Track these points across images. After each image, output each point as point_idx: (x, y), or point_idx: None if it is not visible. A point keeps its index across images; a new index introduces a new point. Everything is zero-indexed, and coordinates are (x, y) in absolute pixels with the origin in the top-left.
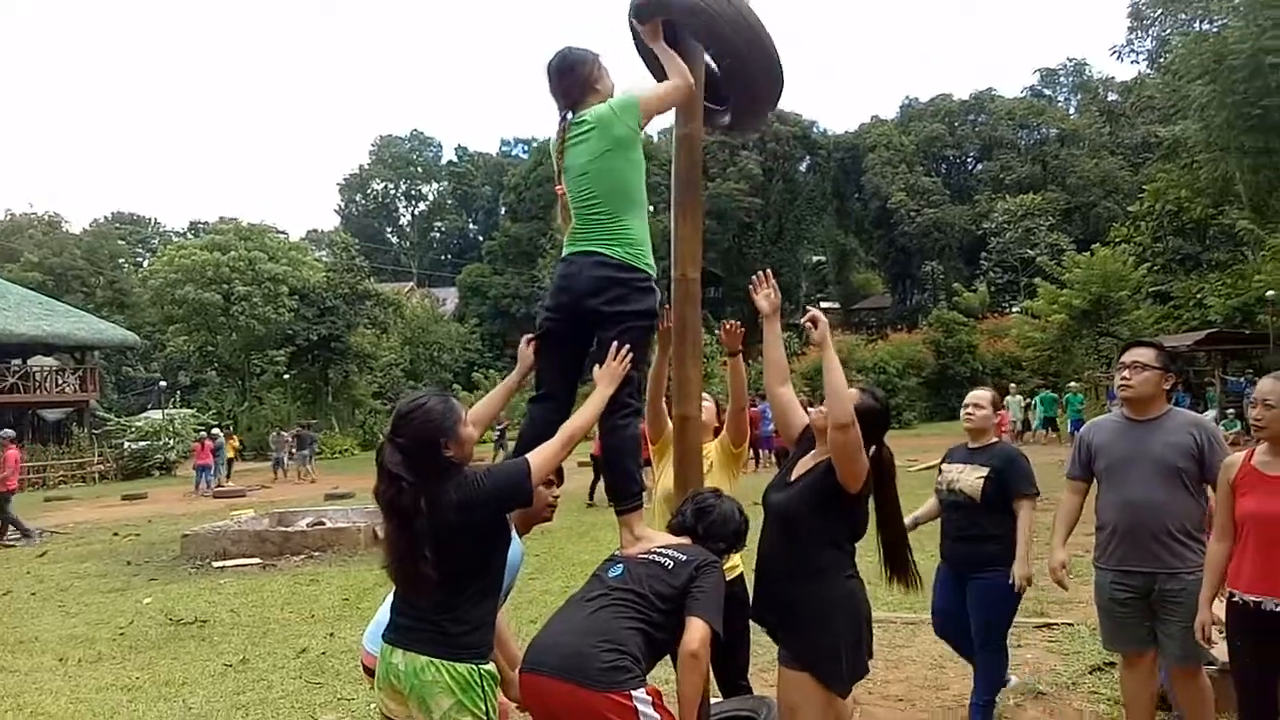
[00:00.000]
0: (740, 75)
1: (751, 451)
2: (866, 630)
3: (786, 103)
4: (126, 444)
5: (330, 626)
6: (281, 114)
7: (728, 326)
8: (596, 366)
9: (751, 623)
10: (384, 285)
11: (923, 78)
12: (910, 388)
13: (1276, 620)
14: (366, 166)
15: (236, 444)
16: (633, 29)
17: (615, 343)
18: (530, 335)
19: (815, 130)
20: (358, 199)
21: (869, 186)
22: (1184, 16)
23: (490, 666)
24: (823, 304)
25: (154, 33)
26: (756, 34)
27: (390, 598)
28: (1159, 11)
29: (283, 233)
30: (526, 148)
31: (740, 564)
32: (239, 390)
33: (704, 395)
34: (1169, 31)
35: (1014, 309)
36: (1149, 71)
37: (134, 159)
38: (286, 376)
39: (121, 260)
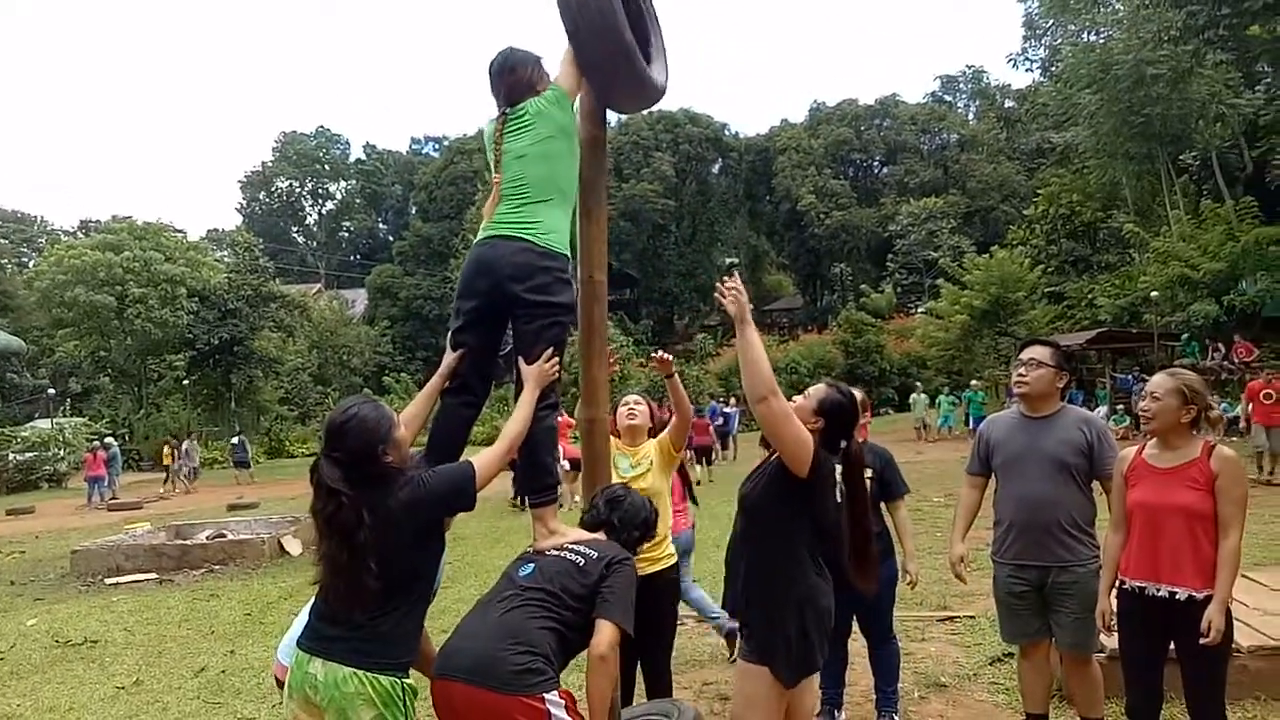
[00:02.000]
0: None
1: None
2: (819, 625)
3: (699, 104)
4: (11, 455)
5: (231, 644)
6: (179, 108)
7: (659, 358)
8: (522, 362)
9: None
10: (290, 287)
11: (830, 82)
12: None
13: (1160, 605)
14: (270, 163)
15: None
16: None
17: (538, 337)
18: (455, 343)
19: (727, 132)
20: (261, 197)
21: (780, 189)
22: (1073, 27)
23: (411, 680)
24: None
25: (39, 20)
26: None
27: (307, 610)
28: (1051, 22)
29: (180, 232)
30: (438, 146)
31: (674, 552)
32: (134, 397)
33: (638, 398)
34: (1060, 41)
35: (919, 310)
36: (1043, 79)
37: (18, 154)
38: (186, 382)
39: (4, 261)
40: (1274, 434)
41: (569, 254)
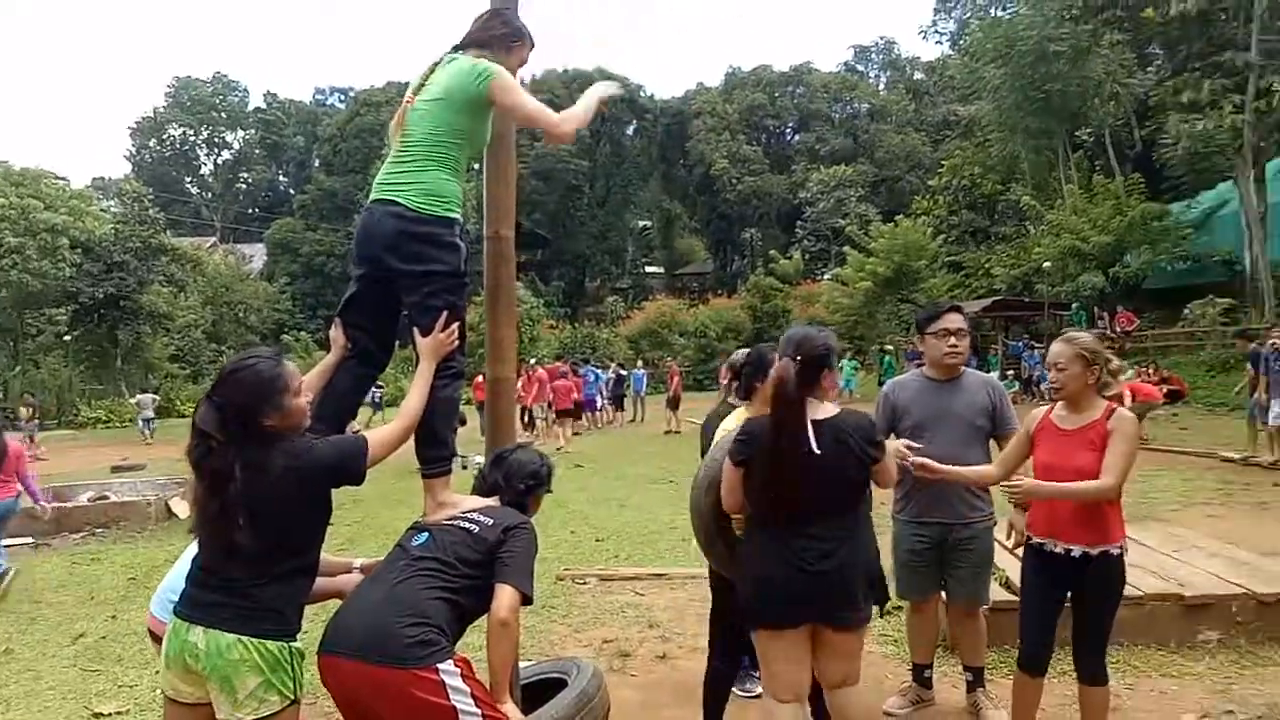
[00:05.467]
0: None
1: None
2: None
3: (614, 65)
4: None
5: (113, 609)
6: (61, 48)
7: None
8: (418, 334)
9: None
10: (182, 239)
11: (746, 47)
12: (729, 350)
13: (1056, 559)
14: (162, 109)
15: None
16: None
17: (425, 309)
18: (346, 317)
19: (642, 94)
20: (152, 145)
21: (694, 153)
22: (982, 2)
23: (299, 644)
24: (648, 268)
25: None
26: None
27: (182, 564)
28: None
29: (63, 179)
30: (344, 97)
31: None
32: (9, 353)
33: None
34: (969, 15)
35: (825, 276)
36: (951, 53)
37: None
38: (68, 338)
39: None
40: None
41: (452, 212)
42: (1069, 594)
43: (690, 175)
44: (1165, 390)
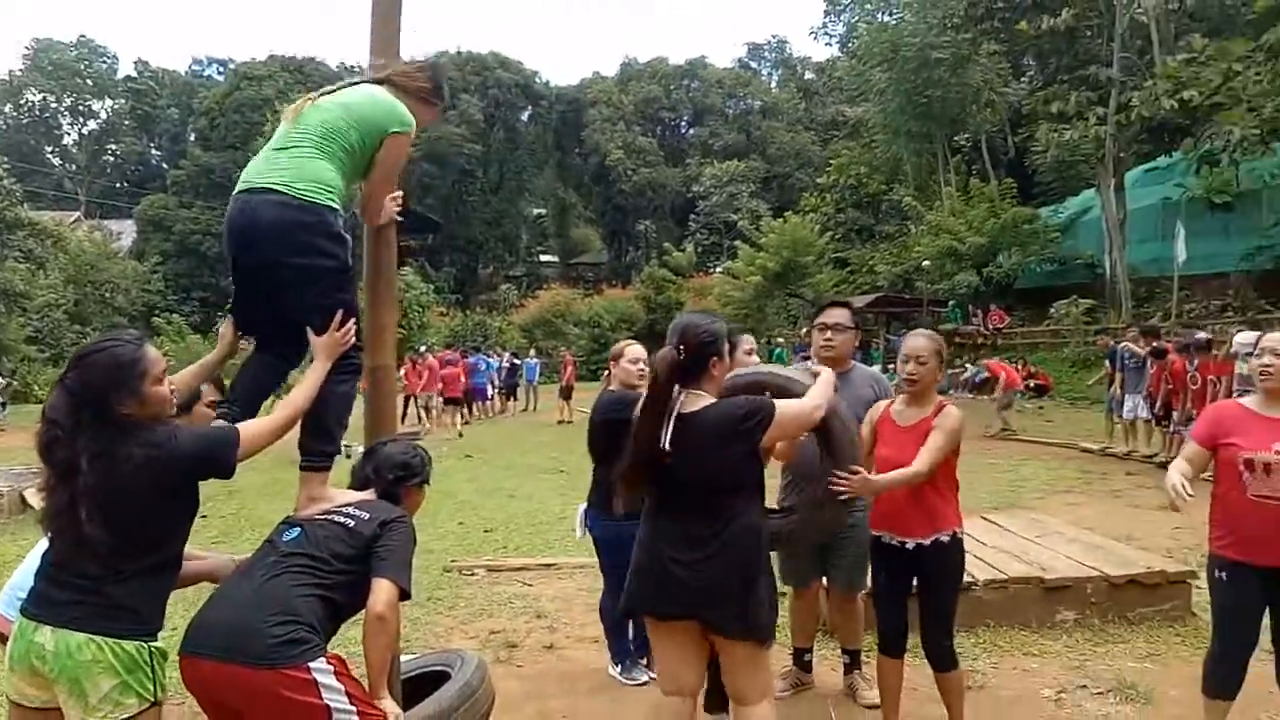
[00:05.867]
0: None
1: (463, 404)
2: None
3: (510, 49)
4: None
5: None
6: None
7: None
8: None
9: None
10: (42, 213)
11: (642, 38)
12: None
13: (895, 551)
14: (19, 73)
15: None
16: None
17: (317, 307)
18: (238, 319)
19: (538, 80)
20: (8, 110)
21: (589, 142)
22: (870, 6)
23: (160, 644)
24: (543, 256)
25: None
26: None
27: (32, 560)
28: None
29: None
30: (223, 69)
31: None
32: None
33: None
34: (857, 19)
35: (717, 269)
36: (840, 55)
37: None
38: None
39: None
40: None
41: (337, 206)
42: (914, 581)
43: (586, 164)
44: (1032, 384)
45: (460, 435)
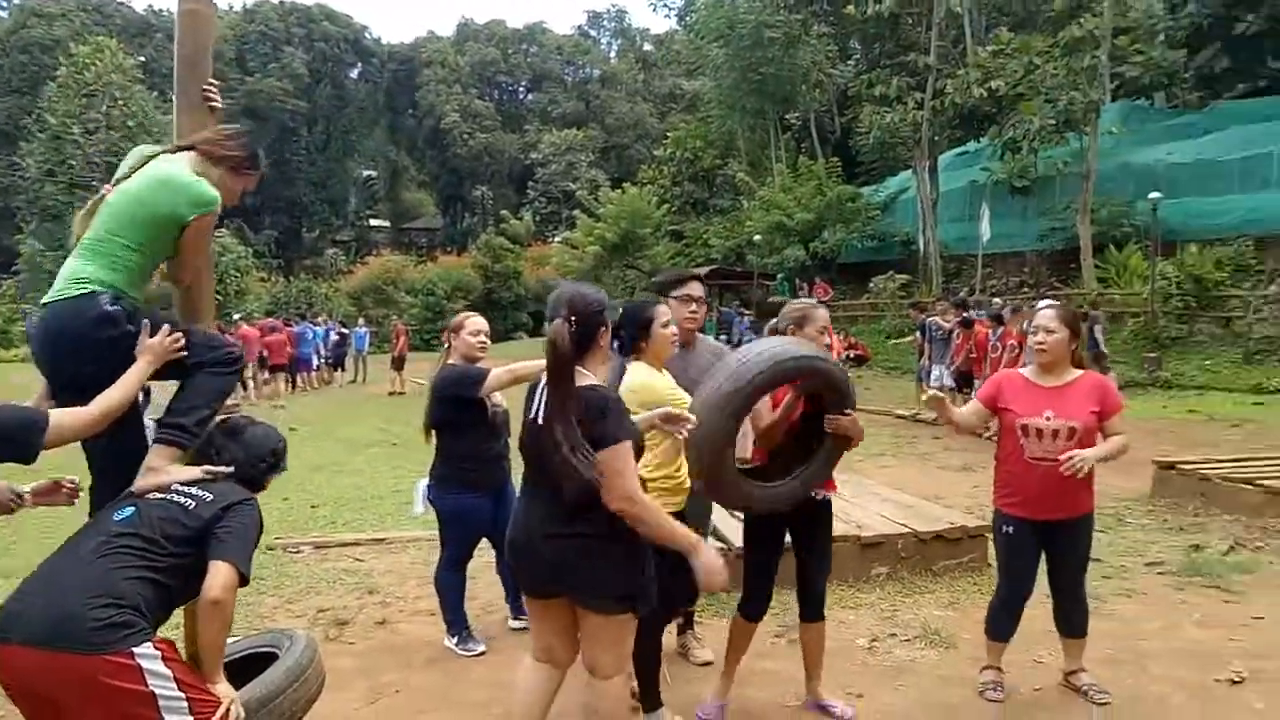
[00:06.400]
0: None
1: (287, 375)
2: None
3: (336, 2)
4: None
5: None
6: None
7: None
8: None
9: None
10: None
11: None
12: (457, 310)
13: (760, 518)
14: None
15: None
16: None
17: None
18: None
19: (368, 36)
20: None
21: (423, 103)
22: None
23: None
24: (373, 221)
25: None
26: None
27: None
28: None
29: None
30: (7, 4)
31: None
32: None
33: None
34: None
35: (556, 238)
36: (678, 28)
37: None
38: None
39: None
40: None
41: (104, 291)
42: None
43: (419, 126)
44: (852, 355)
45: (283, 407)
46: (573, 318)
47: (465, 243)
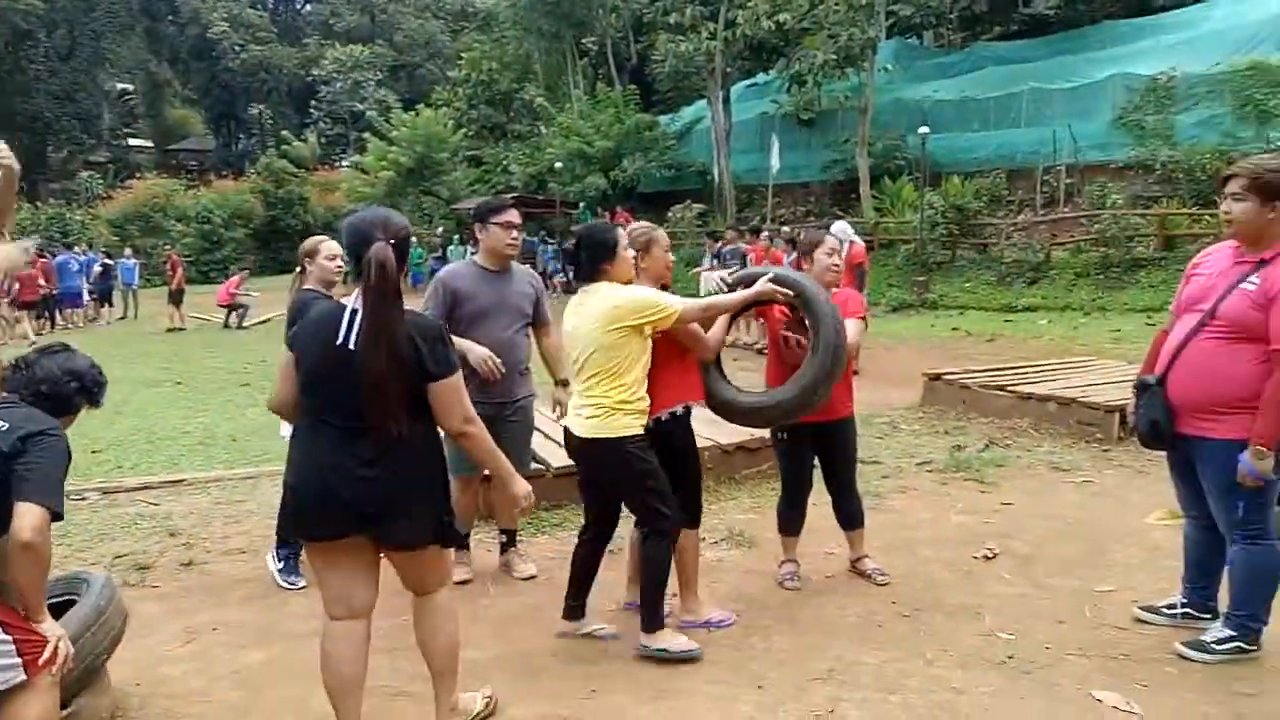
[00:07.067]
0: None
1: (44, 311)
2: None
3: None
4: None
5: None
6: None
7: None
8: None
9: None
10: None
11: None
12: (238, 239)
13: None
14: None
15: None
16: None
17: None
18: None
19: None
20: None
21: (186, 10)
22: None
23: None
24: (132, 140)
25: None
26: None
27: None
28: None
29: None
30: None
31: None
32: None
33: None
34: None
35: (345, 163)
36: None
37: None
38: None
39: None
40: None
41: None
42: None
43: (183, 35)
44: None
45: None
46: (391, 240)
47: (242, 166)
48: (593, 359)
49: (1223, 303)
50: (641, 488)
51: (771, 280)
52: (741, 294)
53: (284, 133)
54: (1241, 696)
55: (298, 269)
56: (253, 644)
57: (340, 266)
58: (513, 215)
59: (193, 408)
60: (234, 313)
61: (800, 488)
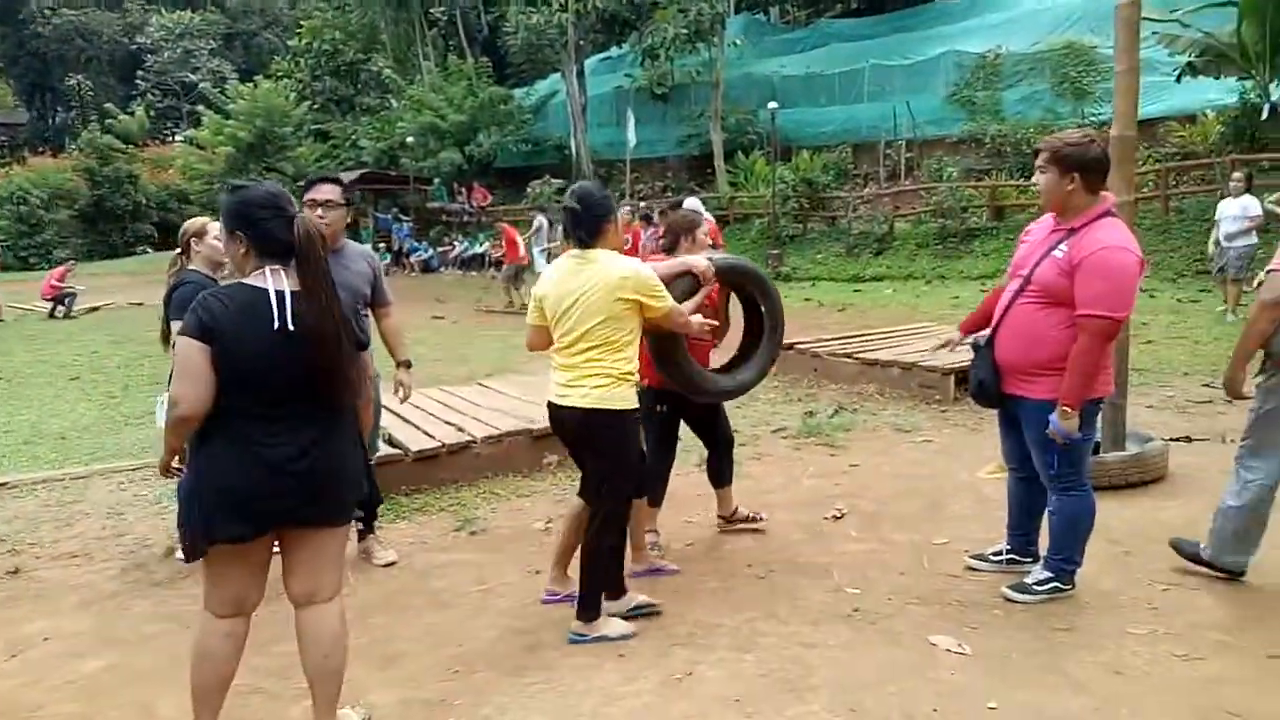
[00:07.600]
0: None
1: None
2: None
3: None
4: None
5: None
6: None
7: None
8: None
9: None
10: None
11: None
12: (61, 221)
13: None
14: None
15: None
16: None
17: None
18: None
19: None
20: None
21: None
22: None
23: None
24: None
25: None
26: None
27: None
28: None
29: None
30: None
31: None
32: None
33: None
34: None
35: (177, 138)
36: None
37: None
38: None
39: None
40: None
41: None
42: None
43: None
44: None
45: None
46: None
47: (62, 142)
48: (597, 329)
49: (1037, 269)
50: (626, 462)
51: (719, 267)
52: (702, 292)
53: (108, 105)
54: (1059, 631)
55: (178, 250)
56: (89, 652)
57: None
58: (317, 191)
59: (18, 404)
60: (60, 304)
61: (667, 458)
